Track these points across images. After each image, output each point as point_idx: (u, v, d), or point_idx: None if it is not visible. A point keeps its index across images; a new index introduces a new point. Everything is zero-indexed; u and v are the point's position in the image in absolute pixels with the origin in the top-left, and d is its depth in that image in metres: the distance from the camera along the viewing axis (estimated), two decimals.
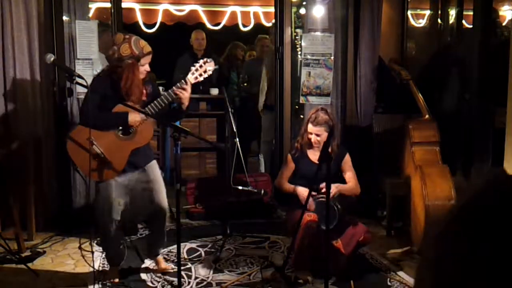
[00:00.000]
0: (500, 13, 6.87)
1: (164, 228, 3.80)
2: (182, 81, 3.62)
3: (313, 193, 3.57)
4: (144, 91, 3.58)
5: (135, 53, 3.44)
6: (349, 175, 3.94)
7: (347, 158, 3.96)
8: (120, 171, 3.51)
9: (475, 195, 0.63)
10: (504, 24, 6.87)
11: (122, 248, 3.88)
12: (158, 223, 3.78)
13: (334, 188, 3.66)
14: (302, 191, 3.75)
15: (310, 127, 3.80)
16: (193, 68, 3.68)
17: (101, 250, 3.99)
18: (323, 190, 3.51)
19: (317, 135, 3.78)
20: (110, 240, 3.67)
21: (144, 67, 3.51)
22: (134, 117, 3.47)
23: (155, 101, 3.51)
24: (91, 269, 3.57)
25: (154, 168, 3.68)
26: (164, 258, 3.99)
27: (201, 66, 3.68)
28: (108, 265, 3.80)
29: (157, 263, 3.89)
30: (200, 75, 3.67)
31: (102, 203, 3.56)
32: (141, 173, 3.61)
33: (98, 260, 4.02)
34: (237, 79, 6.97)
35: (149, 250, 3.95)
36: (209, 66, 3.70)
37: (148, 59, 3.53)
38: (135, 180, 3.59)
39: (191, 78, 3.64)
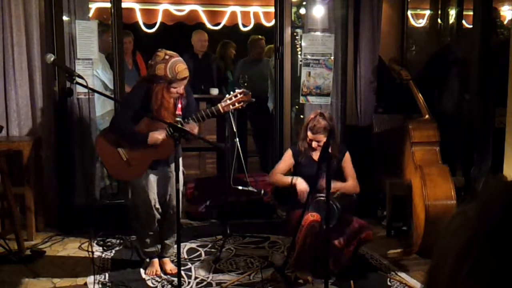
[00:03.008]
0: (500, 13, 6.88)
1: (173, 223, 3.71)
2: (213, 108, 3.59)
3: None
4: (179, 105, 3.58)
5: (168, 77, 3.43)
6: (348, 173, 3.94)
7: (347, 156, 3.96)
8: (139, 176, 3.64)
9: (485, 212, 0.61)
10: (504, 24, 6.87)
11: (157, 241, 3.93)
12: (169, 217, 3.79)
13: (335, 186, 3.65)
14: (301, 183, 3.75)
15: (310, 135, 3.81)
16: (227, 96, 3.64)
17: (137, 245, 4.03)
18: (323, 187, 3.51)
19: (318, 141, 3.79)
20: (150, 236, 3.78)
21: (177, 89, 3.49)
22: (155, 138, 3.50)
23: (185, 120, 3.52)
24: (91, 269, 3.57)
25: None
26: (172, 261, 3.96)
27: (235, 96, 3.61)
28: (148, 259, 3.88)
29: (163, 264, 3.89)
30: (233, 104, 3.61)
31: (140, 202, 3.71)
32: (167, 167, 3.73)
33: (99, 259, 4.02)
34: (233, 79, 6.96)
35: (162, 247, 3.92)
36: (245, 99, 3.62)
37: (182, 83, 3.49)
38: (163, 172, 3.74)
39: (222, 106, 3.60)
